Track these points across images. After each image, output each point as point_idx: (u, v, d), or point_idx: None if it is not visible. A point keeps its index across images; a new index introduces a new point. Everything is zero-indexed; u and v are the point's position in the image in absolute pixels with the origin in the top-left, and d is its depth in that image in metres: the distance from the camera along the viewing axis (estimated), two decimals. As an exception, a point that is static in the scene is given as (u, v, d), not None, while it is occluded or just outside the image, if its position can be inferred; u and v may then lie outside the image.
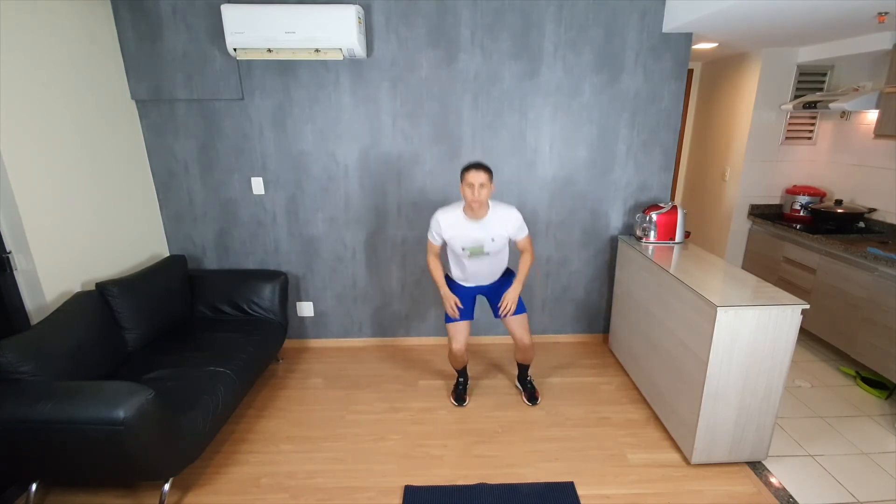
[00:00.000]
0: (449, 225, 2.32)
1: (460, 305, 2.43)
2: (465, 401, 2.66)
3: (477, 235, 2.30)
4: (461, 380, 2.71)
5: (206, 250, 3.11)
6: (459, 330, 2.47)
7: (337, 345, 3.34)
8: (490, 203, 2.30)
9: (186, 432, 1.87)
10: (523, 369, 2.72)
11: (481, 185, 2.16)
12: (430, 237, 2.41)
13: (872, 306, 2.69)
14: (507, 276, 2.56)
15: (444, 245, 2.41)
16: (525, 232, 2.38)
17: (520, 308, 2.47)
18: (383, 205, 3.04)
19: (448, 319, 2.48)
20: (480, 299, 2.67)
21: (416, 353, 3.23)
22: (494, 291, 2.53)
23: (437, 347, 3.28)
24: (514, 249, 2.46)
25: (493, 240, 2.31)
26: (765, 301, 1.96)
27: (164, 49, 2.67)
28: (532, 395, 2.67)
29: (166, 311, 2.60)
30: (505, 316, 2.45)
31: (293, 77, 2.78)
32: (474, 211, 2.25)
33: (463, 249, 2.33)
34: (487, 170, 2.19)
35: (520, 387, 2.77)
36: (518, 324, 2.49)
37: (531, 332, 3.34)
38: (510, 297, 2.39)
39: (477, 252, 2.33)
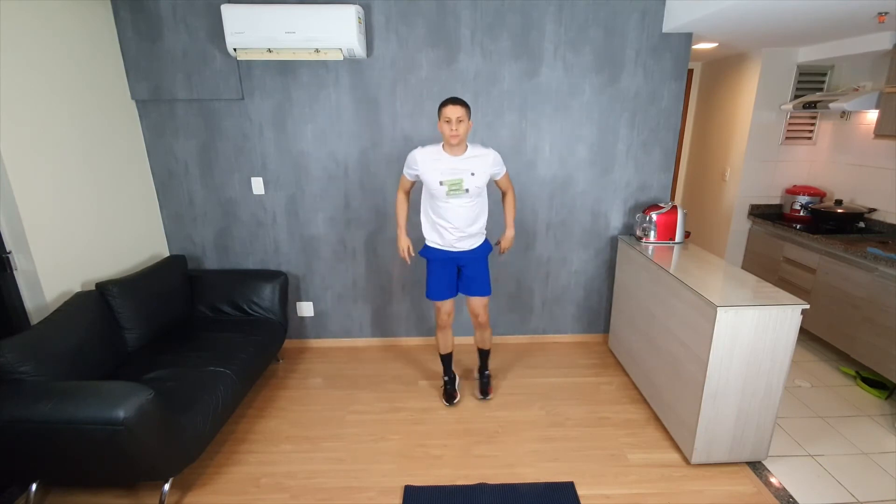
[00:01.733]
0: (426, 158, 2.25)
1: (412, 253, 2.47)
2: (455, 398, 2.65)
3: (455, 166, 2.24)
4: (446, 378, 2.71)
5: (206, 250, 3.11)
6: (445, 302, 2.49)
7: (337, 345, 3.34)
8: (468, 143, 2.29)
9: (186, 432, 1.87)
10: (483, 357, 2.73)
11: (459, 120, 2.13)
12: (404, 172, 2.37)
13: (872, 306, 2.69)
14: (485, 246, 2.48)
15: (421, 188, 2.37)
16: (504, 169, 2.39)
17: (485, 290, 2.50)
18: (383, 205, 3.04)
19: (431, 296, 2.48)
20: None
21: (416, 353, 3.23)
22: (471, 265, 2.45)
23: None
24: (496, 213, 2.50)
25: (472, 174, 2.24)
26: (765, 301, 1.96)
27: (164, 49, 2.67)
28: (485, 389, 2.69)
29: (166, 311, 2.60)
30: (500, 250, 2.54)
31: (293, 77, 2.78)
32: (452, 148, 2.23)
33: (441, 184, 2.23)
34: (465, 104, 2.16)
35: (477, 377, 2.78)
36: (480, 302, 2.52)
37: (532, 333, 3.37)
38: (508, 237, 2.49)
39: (456, 187, 2.24)
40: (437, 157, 2.26)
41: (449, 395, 2.66)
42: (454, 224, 2.32)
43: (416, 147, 2.32)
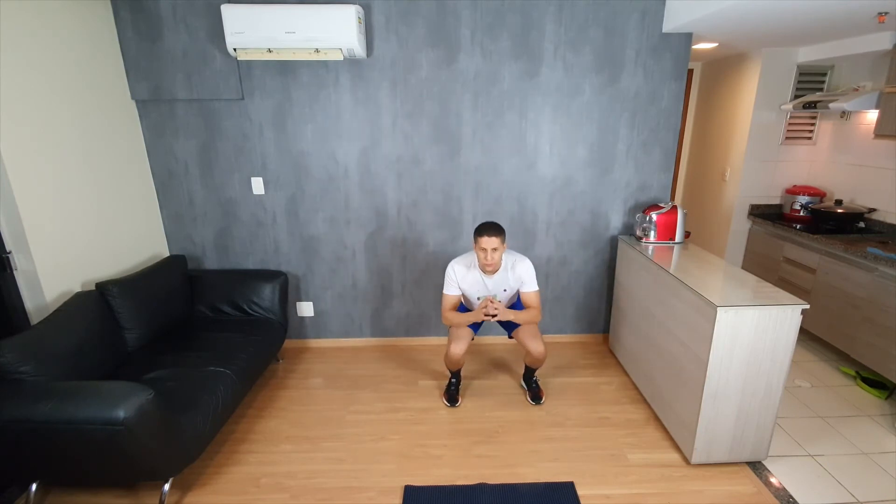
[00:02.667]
0: (465, 279, 2.43)
1: (496, 306, 2.33)
2: (457, 401, 2.65)
3: (491, 287, 2.43)
4: (454, 380, 2.70)
5: (206, 250, 3.11)
6: (463, 334, 2.48)
7: (337, 345, 3.34)
8: (504, 257, 2.36)
9: (186, 432, 1.87)
10: (530, 370, 2.71)
11: (494, 250, 2.24)
12: (446, 290, 2.46)
13: (872, 306, 2.69)
14: (518, 302, 2.61)
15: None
16: (534, 287, 2.43)
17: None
18: (383, 205, 3.04)
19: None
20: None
21: (416, 353, 3.23)
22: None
23: (438, 347, 3.28)
24: None
25: (504, 290, 2.45)
26: (765, 301, 1.96)
27: (164, 49, 2.67)
28: (536, 395, 2.67)
29: (166, 311, 2.60)
30: (510, 334, 2.58)
31: (293, 77, 2.78)
32: (488, 272, 2.35)
33: (478, 298, 2.47)
34: (500, 232, 2.25)
35: (524, 386, 2.77)
36: (528, 332, 2.50)
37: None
38: (501, 306, 2.34)
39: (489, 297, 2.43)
40: (475, 279, 2.41)
41: (451, 397, 2.66)
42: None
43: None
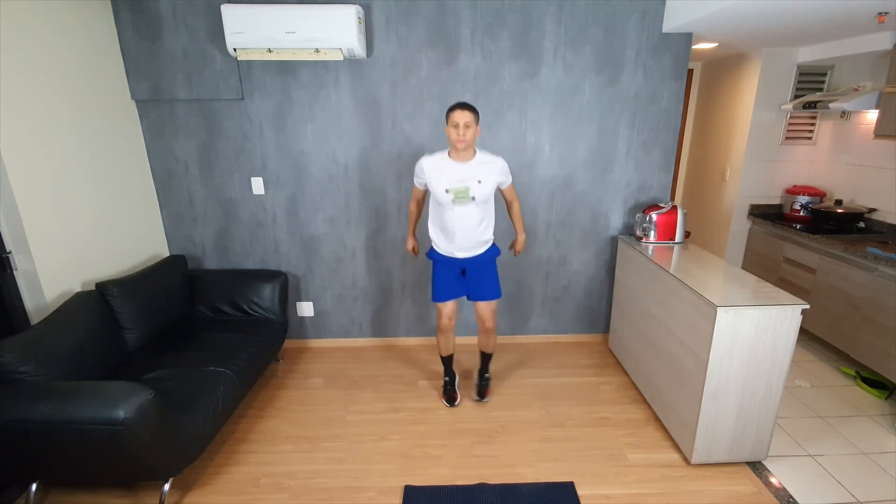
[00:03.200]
0: (433, 166, 2.24)
1: (417, 252, 2.62)
2: (456, 400, 2.65)
3: (462, 174, 2.20)
4: (447, 379, 2.70)
5: (206, 250, 3.11)
6: (447, 305, 2.47)
7: (337, 345, 3.34)
8: (476, 149, 2.26)
9: (186, 432, 1.87)
10: (485, 360, 2.70)
11: (466, 126, 2.10)
12: (414, 181, 2.41)
13: (872, 306, 2.69)
14: (492, 250, 2.45)
15: (429, 196, 2.36)
16: (510, 178, 2.39)
17: (495, 293, 2.47)
18: (383, 205, 3.04)
19: (435, 297, 2.46)
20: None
21: (416, 353, 3.23)
22: (477, 269, 2.42)
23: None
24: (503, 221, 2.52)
25: (479, 182, 2.20)
26: (765, 301, 1.96)
27: (164, 49, 2.67)
28: (482, 392, 2.68)
29: (166, 311, 2.60)
30: (514, 253, 2.59)
31: (293, 77, 2.78)
32: (459, 153, 2.19)
33: (447, 192, 2.20)
34: (473, 110, 2.13)
35: (476, 378, 2.75)
36: (488, 306, 2.49)
37: (532, 333, 3.37)
38: (520, 242, 2.55)
39: (462, 195, 2.20)
40: (444, 164, 2.23)
41: (450, 396, 2.66)
42: (460, 232, 2.30)
43: (419, 151, 2.32)
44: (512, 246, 2.62)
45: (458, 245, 2.34)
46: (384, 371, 3.01)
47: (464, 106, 2.13)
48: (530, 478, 2.11)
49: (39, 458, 1.72)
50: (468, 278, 2.46)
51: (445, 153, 2.26)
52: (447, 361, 2.68)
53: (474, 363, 2.87)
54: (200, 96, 2.76)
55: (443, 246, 2.40)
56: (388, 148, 2.92)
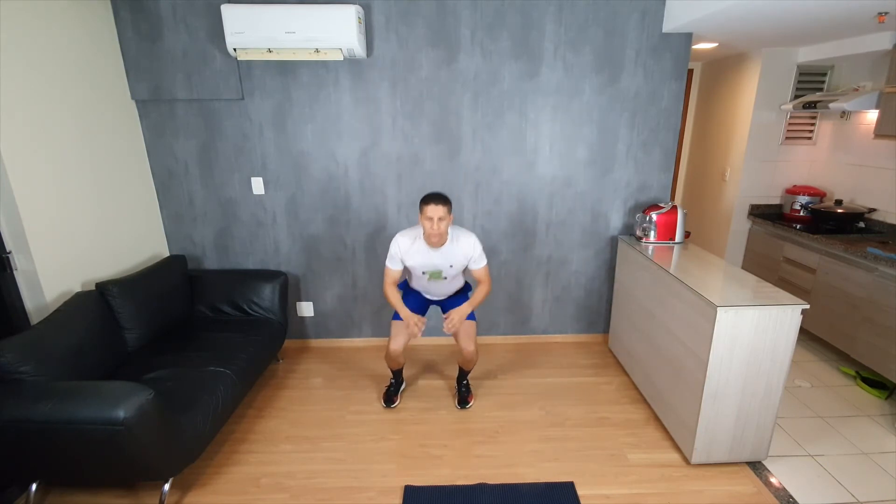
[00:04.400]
0: (409, 252, 2.34)
1: (421, 327, 2.40)
2: (394, 402, 2.64)
3: (437, 262, 2.34)
4: (393, 381, 2.70)
5: (206, 250, 3.11)
6: (402, 331, 2.43)
7: (337, 345, 3.34)
8: (450, 231, 2.30)
9: (186, 432, 1.87)
10: (463, 372, 2.66)
11: (440, 219, 2.17)
12: (388, 263, 2.39)
13: (872, 306, 2.69)
14: (464, 290, 2.60)
15: (404, 269, 2.43)
16: (483, 262, 2.39)
17: (469, 315, 2.45)
18: (383, 205, 3.04)
19: (395, 317, 2.47)
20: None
21: (415, 353, 3.23)
22: (449, 303, 2.56)
23: (438, 347, 3.28)
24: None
25: (451, 266, 2.36)
26: (765, 301, 1.96)
27: (164, 49, 2.67)
28: (464, 399, 2.64)
29: (166, 311, 2.60)
30: (444, 326, 2.40)
31: (293, 77, 2.78)
32: (433, 242, 2.27)
33: (423, 273, 2.39)
34: (446, 202, 2.19)
35: (456, 387, 2.73)
36: (464, 331, 2.44)
37: (532, 333, 3.37)
38: (456, 316, 2.36)
39: (436, 276, 2.40)
40: (420, 250, 2.32)
41: (388, 398, 2.64)
42: (433, 291, 2.53)
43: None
44: (447, 316, 2.39)
45: (431, 295, 2.58)
46: (384, 371, 3.00)
47: (437, 200, 2.17)
48: (530, 478, 2.11)
49: (39, 458, 1.72)
50: (444, 309, 2.55)
51: (420, 237, 2.31)
52: (397, 372, 2.68)
53: (479, 363, 2.85)
54: (200, 96, 2.76)
55: (417, 286, 2.58)
56: (388, 148, 2.92)
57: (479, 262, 2.37)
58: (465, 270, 2.46)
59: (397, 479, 2.11)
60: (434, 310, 2.72)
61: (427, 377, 2.93)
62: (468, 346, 2.43)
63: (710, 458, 2.15)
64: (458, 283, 2.55)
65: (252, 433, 2.42)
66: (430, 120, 2.87)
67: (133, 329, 2.38)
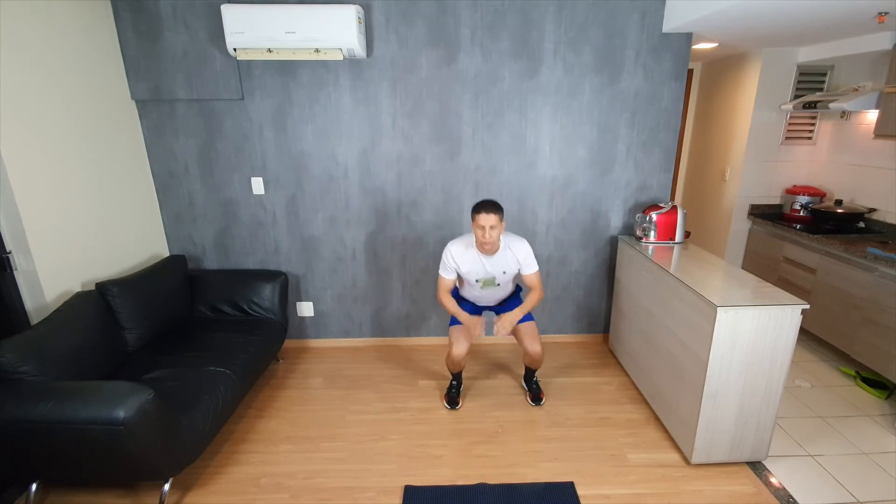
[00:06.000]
0: (462, 260, 2.36)
1: (483, 328, 2.46)
2: (458, 404, 2.64)
3: (489, 269, 2.36)
4: (454, 383, 2.70)
5: (206, 250, 3.11)
6: (464, 336, 2.46)
7: (337, 345, 3.34)
8: (501, 238, 2.31)
9: (186, 432, 1.87)
10: (530, 371, 2.70)
11: (492, 227, 2.18)
12: (442, 272, 2.41)
13: (872, 306, 2.69)
14: (516, 293, 2.62)
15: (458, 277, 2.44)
16: (534, 268, 2.39)
17: (527, 316, 2.48)
18: (383, 205, 3.04)
19: (453, 322, 2.50)
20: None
21: (416, 353, 3.23)
22: (500, 309, 2.61)
23: (438, 347, 3.28)
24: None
25: (504, 272, 2.38)
26: (765, 301, 1.96)
27: (164, 49, 2.67)
28: (537, 396, 2.66)
29: (166, 311, 2.60)
30: (494, 329, 2.42)
31: (293, 77, 2.78)
32: (486, 250, 2.28)
33: (476, 281, 2.41)
34: (498, 210, 2.20)
35: (525, 387, 2.77)
36: (526, 332, 2.48)
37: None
38: (507, 321, 2.37)
39: (489, 283, 2.41)
40: (473, 259, 2.34)
41: (452, 400, 2.64)
42: (486, 298, 2.54)
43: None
44: (499, 320, 2.42)
45: (483, 302, 2.60)
46: (384, 371, 3.01)
47: (488, 209, 2.18)
48: (530, 478, 2.11)
49: (39, 458, 1.73)
50: (497, 314, 2.60)
51: (472, 245, 2.33)
52: (456, 375, 2.69)
53: (478, 364, 2.87)
54: (200, 96, 2.76)
55: (469, 296, 2.58)
56: (388, 148, 2.92)
57: (530, 268, 2.39)
58: (516, 276, 2.48)
59: (397, 479, 2.11)
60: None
61: (427, 377, 2.93)
62: (534, 346, 2.46)
63: (710, 458, 2.15)
64: (510, 289, 2.57)
65: (252, 433, 2.42)
66: (430, 120, 2.87)
67: (133, 329, 2.38)
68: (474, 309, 2.61)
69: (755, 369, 2.00)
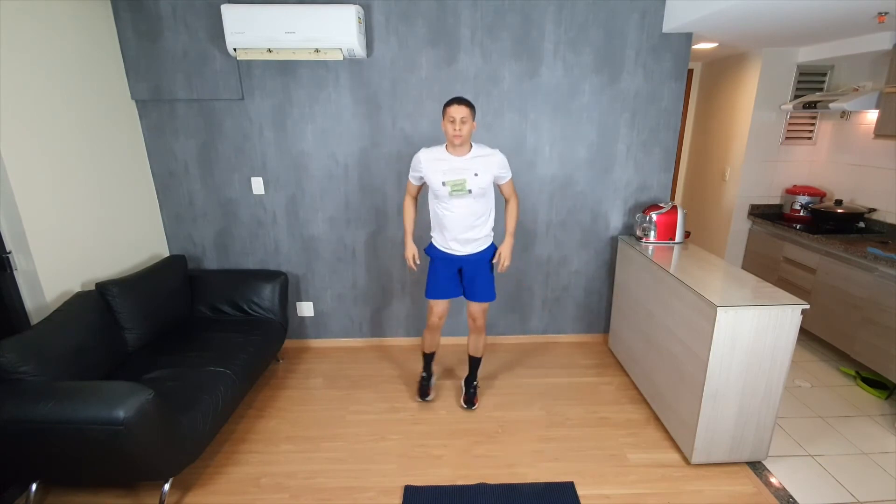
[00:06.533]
0: (429, 158, 2.24)
1: (418, 261, 2.46)
2: (429, 395, 2.65)
3: (458, 167, 2.20)
4: (425, 375, 2.70)
5: (206, 250, 3.11)
6: (439, 304, 2.46)
7: (337, 345, 3.34)
8: (473, 143, 2.25)
9: (186, 432, 1.87)
10: (474, 366, 2.65)
11: (462, 121, 2.09)
12: (409, 176, 2.37)
13: (872, 306, 2.69)
14: (490, 250, 2.42)
15: (426, 190, 2.35)
16: (509, 175, 2.32)
17: (488, 296, 2.44)
18: (383, 205, 3.04)
19: (429, 294, 2.45)
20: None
21: (416, 353, 3.23)
22: (473, 268, 2.40)
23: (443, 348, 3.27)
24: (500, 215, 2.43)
25: (475, 174, 2.19)
26: (765, 301, 1.96)
27: (164, 49, 2.67)
28: (470, 399, 2.62)
29: (166, 311, 2.60)
30: (498, 267, 2.39)
31: (293, 77, 2.78)
32: (456, 148, 2.19)
33: (444, 184, 2.20)
34: (469, 105, 2.12)
35: (463, 387, 2.70)
36: (480, 307, 2.46)
37: (532, 332, 3.37)
38: (505, 252, 2.36)
39: (459, 188, 2.19)
40: (440, 157, 2.23)
41: (423, 391, 2.66)
42: (457, 225, 2.29)
43: (418, 148, 2.31)
44: (496, 256, 2.39)
45: (454, 236, 2.32)
46: (384, 371, 3.01)
47: (460, 101, 2.11)
48: (530, 478, 2.11)
49: (39, 458, 1.73)
50: (464, 277, 2.44)
51: (443, 147, 2.25)
52: (428, 358, 2.69)
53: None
54: (200, 96, 2.76)
55: (439, 240, 2.40)
56: (388, 148, 2.92)
57: (505, 174, 2.29)
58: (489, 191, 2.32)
59: (397, 479, 2.11)
60: (453, 308, 2.70)
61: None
62: (479, 317, 2.46)
63: (710, 458, 2.15)
64: (486, 221, 2.34)
65: (252, 433, 2.42)
66: (430, 120, 2.87)
67: (133, 329, 2.38)
68: (450, 276, 2.42)
69: (755, 369, 2.00)
